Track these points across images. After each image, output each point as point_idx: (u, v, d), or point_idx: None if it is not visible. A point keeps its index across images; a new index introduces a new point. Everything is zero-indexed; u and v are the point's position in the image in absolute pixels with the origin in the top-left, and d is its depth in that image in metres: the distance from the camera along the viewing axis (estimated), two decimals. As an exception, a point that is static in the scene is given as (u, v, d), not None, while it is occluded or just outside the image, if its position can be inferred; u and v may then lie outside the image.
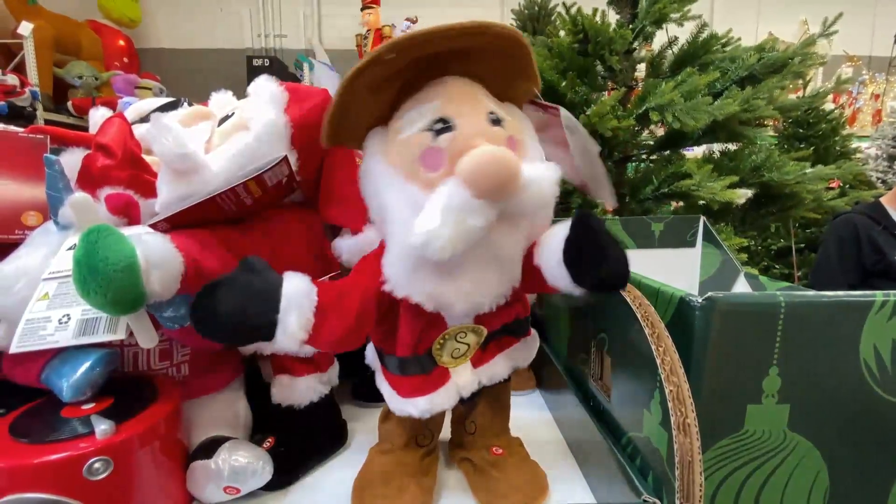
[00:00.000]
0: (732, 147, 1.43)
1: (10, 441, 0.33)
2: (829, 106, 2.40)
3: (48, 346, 0.33)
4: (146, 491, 0.35)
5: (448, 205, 0.30)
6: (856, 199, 1.54)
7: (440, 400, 0.38)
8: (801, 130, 2.18)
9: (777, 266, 2.05)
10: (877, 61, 3.50)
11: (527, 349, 0.43)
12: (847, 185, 2.00)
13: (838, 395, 0.34)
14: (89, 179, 0.38)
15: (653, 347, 0.31)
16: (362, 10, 3.14)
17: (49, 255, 0.37)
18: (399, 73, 0.33)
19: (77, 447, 0.32)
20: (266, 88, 0.41)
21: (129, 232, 0.32)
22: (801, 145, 2.10)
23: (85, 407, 0.36)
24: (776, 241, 2.06)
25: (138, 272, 0.30)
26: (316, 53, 3.22)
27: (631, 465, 0.34)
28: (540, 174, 0.32)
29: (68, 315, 0.34)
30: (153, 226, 0.35)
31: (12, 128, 0.46)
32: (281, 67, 3.21)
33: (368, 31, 3.16)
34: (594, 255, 0.32)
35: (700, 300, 0.32)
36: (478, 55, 0.34)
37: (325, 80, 3.04)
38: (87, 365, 0.36)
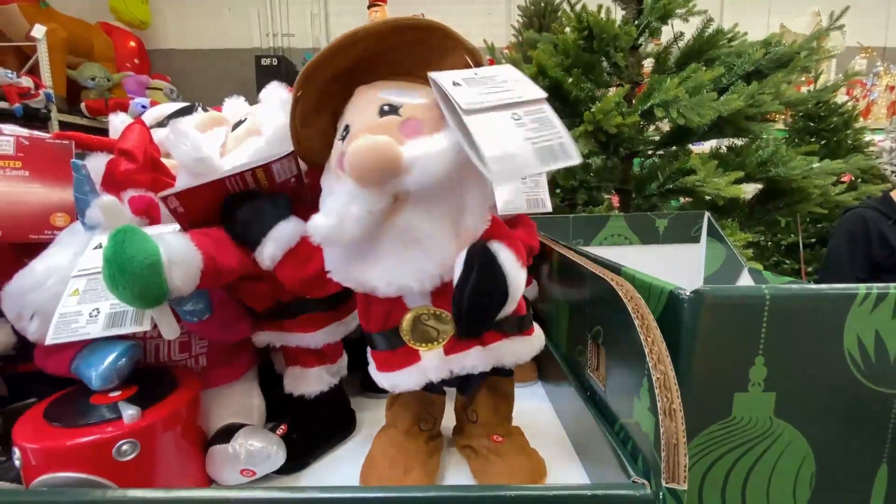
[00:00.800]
0: (739, 142, 1.43)
1: (44, 425, 0.35)
2: (842, 98, 2.36)
3: (80, 338, 0.36)
4: (169, 472, 0.38)
5: (331, 199, 0.34)
6: (866, 193, 1.52)
7: (404, 378, 0.40)
8: (811, 124, 2.15)
9: (787, 261, 2.04)
10: (892, 52, 3.44)
11: (518, 347, 0.42)
12: (859, 180, 1.97)
13: (823, 383, 0.35)
14: (113, 182, 0.41)
15: (642, 337, 0.32)
16: (369, 7, 3.15)
17: (77, 253, 0.40)
18: (324, 100, 0.39)
19: (106, 430, 0.35)
20: (276, 94, 0.43)
21: (152, 231, 0.34)
22: (812, 139, 2.08)
23: (112, 394, 0.38)
24: (786, 237, 2.04)
25: (162, 269, 0.33)
26: (323, 52, 3.24)
27: (623, 449, 0.36)
28: (425, 151, 0.33)
29: (98, 309, 0.36)
30: (164, 198, 0.37)
31: (38, 133, 0.49)
32: (289, 66, 3.24)
33: (375, 29, 3.17)
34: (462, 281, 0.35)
35: (688, 293, 0.33)
36: (384, 56, 0.37)
37: (333, 78, 3.06)
38: (113, 356, 0.39)
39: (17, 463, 0.35)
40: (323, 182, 0.40)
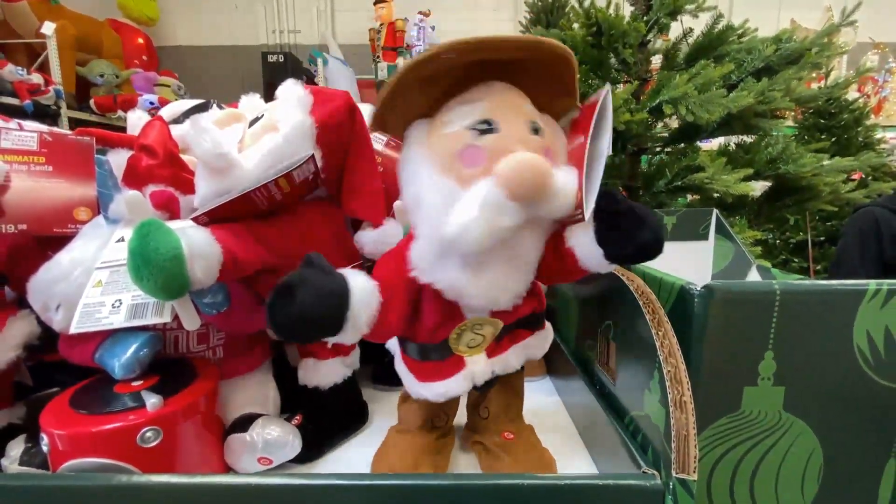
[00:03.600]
0: (748, 139, 1.42)
1: (71, 412, 0.37)
2: (853, 95, 2.33)
3: (103, 328, 0.37)
4: (189, 459, 0.39)
5: (485, 201, 0.31)
6: (877, 190, 1.51)
7: (454, 386, 0.40)
8: (822, 121, 2.13)
9: (796, 259, 2.02)
10: (904, 48, 3.38)
11: (540, 342, 0.45)
12: (870, 177, 1.95)
13: (832, 378, 0.35)
14: (135, 178, 0.42)
15: (653, 331, 0.33)
16: (375, 4, 3.15)
17: (100, 246, 0.41)
18: (449, 72, 0.35)
19: (130, 418, 0.36)
20: (293, 92, 0.44)
21: (174, 226, 0.35)
22: (823, 136, 2.06)
23: (134, 384, 0.39)
24: (795, 235, 2.03)
25: (184, 261, 0.34)
26: (329, 48, 3.25)
27: (633, 441, 0.36)
28: (566, 184, 0.34)
29: (120, 300, 0.37)
30: (195, 219, 0.38)
31: (59, 130, 0.50)
32: (295, 63, 3.25)
33: (381, 25, 3.17)
34: (634, 225, 0.34)
35: (699, 288, 0.34)
36: (526, 67, 0.35)
37: (339, 74, 3.07)
38: (135, 346, 0.40)
39: (44, 449, 0.36)
40: (413, 157, 0.36)
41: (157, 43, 3.42)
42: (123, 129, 0.60)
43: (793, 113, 2.13)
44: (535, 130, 0.36)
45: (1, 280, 0.44)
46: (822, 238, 2.00)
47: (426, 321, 0.39)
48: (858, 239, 1.36)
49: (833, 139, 2.06)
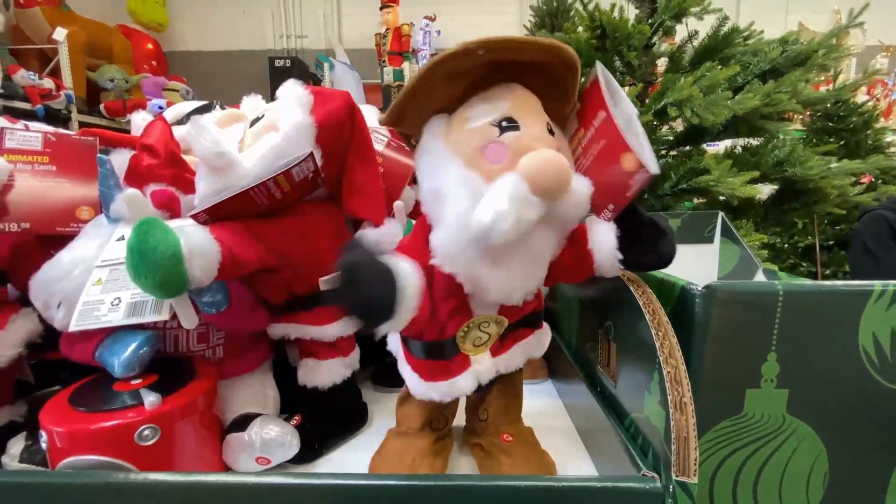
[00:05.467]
0: (755, 142, 1.41)
1: (70, 410, 0.37)
2: (862, 98, 2.30)
3: (102, 326, 0.37)
4: (187, 457, 0.39)
5: (513, 194, 0.32)
6: (886, 193, 1.49)
7: (461, 384, 0.40)
8: (830, 124, 2.11)
9: (804, 263, 1.99)
10: (914, 51, 3.34)
11: (539, 340, 0.46)
12: (879, 181, 1.93)
13: (837, 381, 0.35)
14: (136, 177, 0.42)
15: (653, 332, 0.33)
16: (381, 9, 3.17)
17: (101, 245, 0.41)
18: (474, 69, 0.35)
19: (129, 416, 0.36)
20: (293, 92, 0.44)
21: (173, 224, 0.35)
22: (831, 139, 2.04)
23: (133, 382, 0.40)
24: (804, 238, 2.00)
25: (182, 260, 0.34)
26: (336, 53, 3.28)
27: (633, 443, 0.36)
28: (580, 184, 0.36)
29: (119, 298, 0.38)
30: (194, 216, 0.38)
31: (63, 131, 0.50)
32: (302, 67, 3.28)
33: (387, 29, 3.19)
34: (655, 236, 0.36)
35: (700, 288, 0.33)
36: (537, 70, 0.37)
37: (345, 78, 3.10)
38: (135, 345, 0.40)
39: (43, 446, 0.36)
40: (433, 149, 0.37)
41: (166, 48, 3.47)
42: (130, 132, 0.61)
43: (801, 116, 2.11)
44: (551, 131, 0.37)
45: (3, 278, 0.45)
46: (831, 242, 1.98)
47: (437, 315, 0.39)
48: (875, 242, 1.32)
49: (842, 142, 2.04)
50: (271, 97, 0.49)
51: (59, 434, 0.35)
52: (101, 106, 2.70)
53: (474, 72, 0.36)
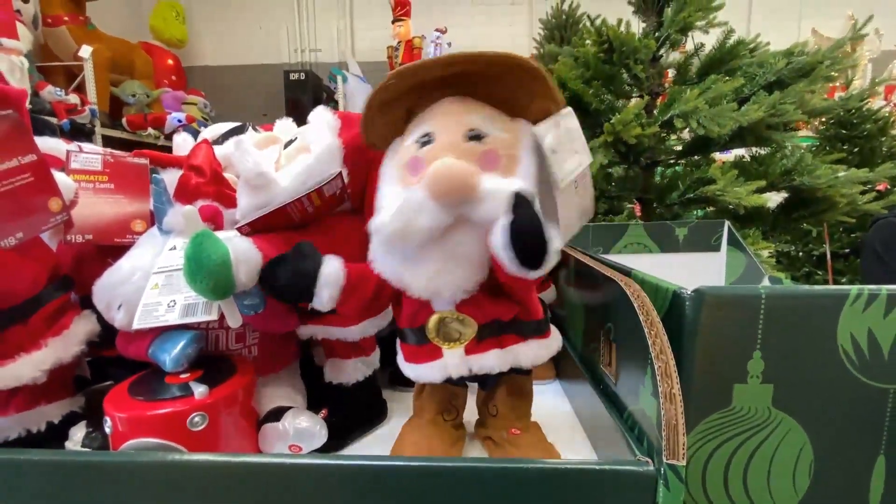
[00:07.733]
0: (763, 151, 1.43)
1: (130, 399, 0.42)
2: (879, 103, 2.28)
3: (161, 324, 0.42)
4: (230, 443, 0.43)
5: (402, 204, 0.37)
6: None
7: (428, 371, 0.45)
8: (843, 131, 2.10)
9: (819, 272, 1.98)
10: (931, 56, 3.31)
11: (534, 351, 0.46)
12: (895, 188, 1.91)
13: (819, 378, 0.38)
14: (185, 194, 0.48)
15: (646, 331, 0.36)
16: (393, 22, 3.25)
17: (155, 254, 0.47)
18: (405, 96, 0.41)
19: (181, 404, 0.41)
20: (323, 117, 0.50)
21: (222, 235, 0.40)
22: (844, 147, 2.02)
23: (182, 376, 0.45)
24: (818, 247, 1.99)
25: (231, 266, 0.39)
26: (349, 66, 3.35)
27: (630, 433, 0.39)
28: (498, 189, 0.36)
29: (174, 300, 0.43)
30: (239, 228, 0.43)
31: (118, 152, 0.56)
32: (315, 80, 3.35)
33: (399, 43, 3.26)
34: (531, 235, 0.36)
35: (689, 292, 0.37)
36: (482, 79, 0.40)
37: (357, 91, 3.17)
38: (183, 343, 0.45)
39: (107, 430, 0.41)
40: (384, 172, 0.43)
41: (185, 63, 3.59)
42: (152, 146, 0.67)
43: (812, 124, 2.10)
44: (475, 137, 0.40)
45: (68, 284, 0.50)
46: (846, 250, 1.96)
47: (405, 308, 0.45)
48: (885, 250, 1.32)
49: (856, 149, 2.02)
50: (286, 109, 0.54)
51: (122, 419, 0.40)
52: (124, 120, 2.78)
53: (409, 97, 0.41)
